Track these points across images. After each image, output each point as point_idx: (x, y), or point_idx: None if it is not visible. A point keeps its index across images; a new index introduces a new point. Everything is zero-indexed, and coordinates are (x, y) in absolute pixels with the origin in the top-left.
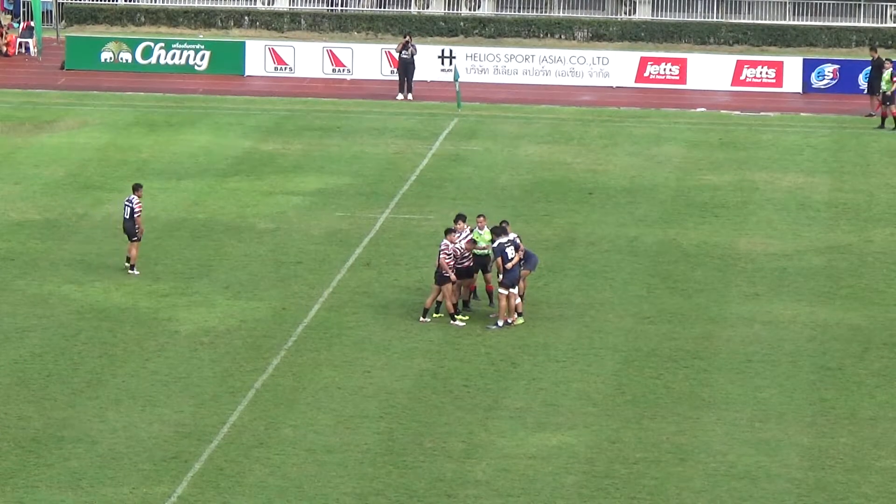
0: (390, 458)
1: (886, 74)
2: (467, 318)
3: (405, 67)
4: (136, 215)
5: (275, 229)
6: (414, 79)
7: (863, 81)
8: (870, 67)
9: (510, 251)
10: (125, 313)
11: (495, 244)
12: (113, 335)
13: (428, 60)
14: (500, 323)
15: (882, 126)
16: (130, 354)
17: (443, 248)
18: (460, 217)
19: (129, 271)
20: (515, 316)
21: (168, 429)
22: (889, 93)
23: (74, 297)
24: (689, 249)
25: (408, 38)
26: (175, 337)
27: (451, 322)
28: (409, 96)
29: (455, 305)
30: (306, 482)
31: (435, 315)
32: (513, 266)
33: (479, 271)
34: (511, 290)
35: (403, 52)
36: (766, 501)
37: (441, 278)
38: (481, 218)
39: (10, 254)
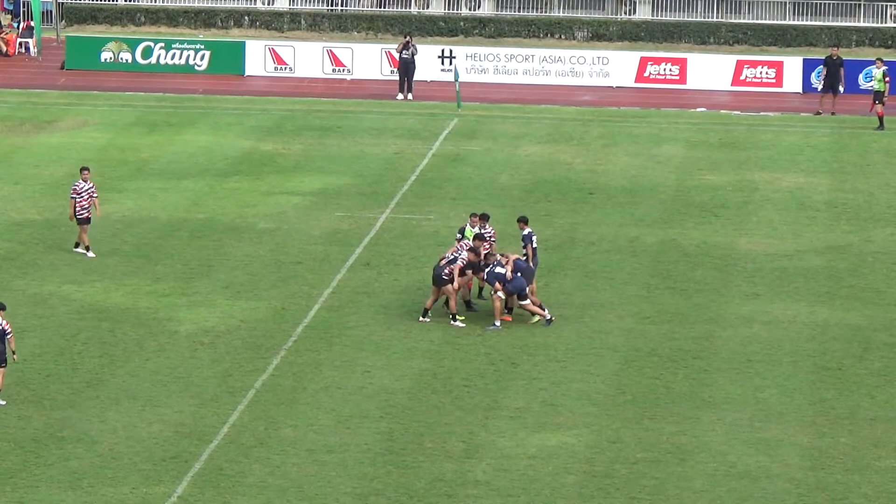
0: (390, 458)
1: (878, 74)
2: (464, 318)
3: (405, 67)
4: (95, 198)
5: (275, 229)
6: (414, 79)
7: (864, 81)
8: (823, 66)
9: (500, 270)
10: (125, 313)
11: (487, 270)
12: (113, 335)
13: (428, 60)
14: (498, 323)
15: (881, 126)
16: (130, 354)
17: (460, 260)
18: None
19: (86, 253)
20: (544, 312)
21: (168, 429)
22: (882, 92)
23: (74, 297)
24: (689, 249)
25: (408, 38)
26: (175, 337)
27: (452, 323)
28: (410, 96)
29: (456, 305)
30: (306, 482)
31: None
32: (513, 277)
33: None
34: (513, 295)
35: (404, 52)
36: (766, 501)
37: (440, 280)
38: (474, 217)
39: (10, 254)
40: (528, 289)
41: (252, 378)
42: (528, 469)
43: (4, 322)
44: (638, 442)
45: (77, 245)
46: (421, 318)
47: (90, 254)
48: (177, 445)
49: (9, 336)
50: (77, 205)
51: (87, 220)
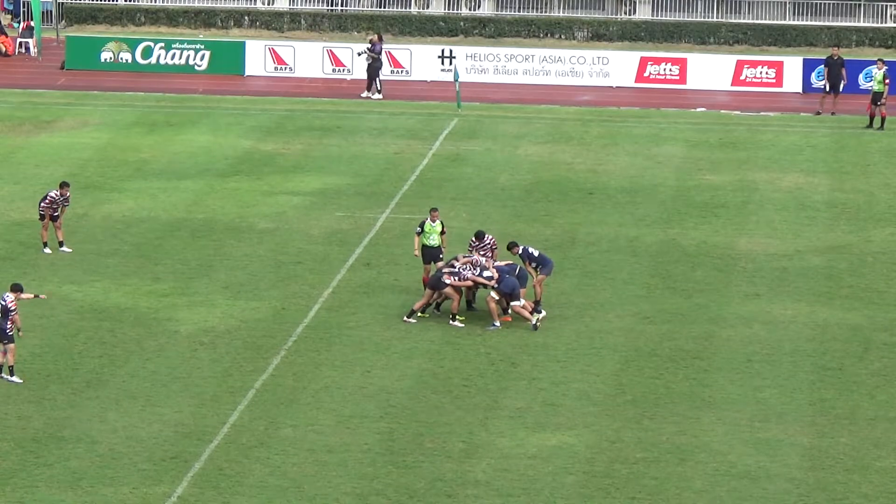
0: (390, 458)
1: (879, 75)
2: (464, 318)
3: (373, 65)
4: (65, 206)
5: (275, 229)
6: (380, 78)
7: (864, 81)
8: (824, 66)
9: (488, 273)
10: (125, 313)
11: (476, 273)
12: (113, 335)
13: (428, 60)
14: (498, 323)
15: (870, 125)
16: (130, 354)
17: (463, 277)
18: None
19: (61, 249)
20: (531, 317)
21: (168, 429)
22: (881, 93)
23: (74, 297)
24: (689, 249)
25: (376, 35)
26: (175, 337)
27: (452, 323)
28: (378, 95)
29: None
30: (306, 482)
31: (428, 313)
32: (501, 277)
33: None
34: (505, 296)
35: (373, 50)
36: (766, 501)
37: (440, 284)
38: (434, 212)
39: (10, 254)
40: (535, 284)
41: (252, 378)
42: (528, 469)
43: (9, 300)
44: (638, 442)
45: (46, 245)
46: (406, 318)
47: (66, 248)
48: (177, 445)
49: (13, 314)
50: (43, 208)
51: (55, 218)
